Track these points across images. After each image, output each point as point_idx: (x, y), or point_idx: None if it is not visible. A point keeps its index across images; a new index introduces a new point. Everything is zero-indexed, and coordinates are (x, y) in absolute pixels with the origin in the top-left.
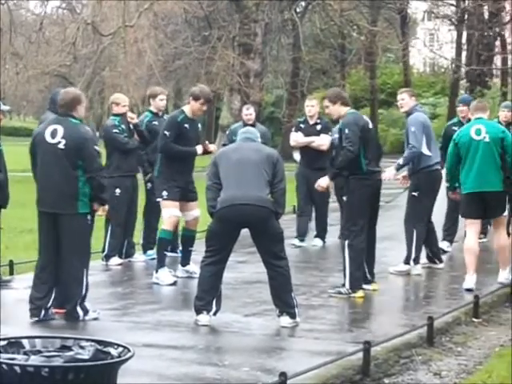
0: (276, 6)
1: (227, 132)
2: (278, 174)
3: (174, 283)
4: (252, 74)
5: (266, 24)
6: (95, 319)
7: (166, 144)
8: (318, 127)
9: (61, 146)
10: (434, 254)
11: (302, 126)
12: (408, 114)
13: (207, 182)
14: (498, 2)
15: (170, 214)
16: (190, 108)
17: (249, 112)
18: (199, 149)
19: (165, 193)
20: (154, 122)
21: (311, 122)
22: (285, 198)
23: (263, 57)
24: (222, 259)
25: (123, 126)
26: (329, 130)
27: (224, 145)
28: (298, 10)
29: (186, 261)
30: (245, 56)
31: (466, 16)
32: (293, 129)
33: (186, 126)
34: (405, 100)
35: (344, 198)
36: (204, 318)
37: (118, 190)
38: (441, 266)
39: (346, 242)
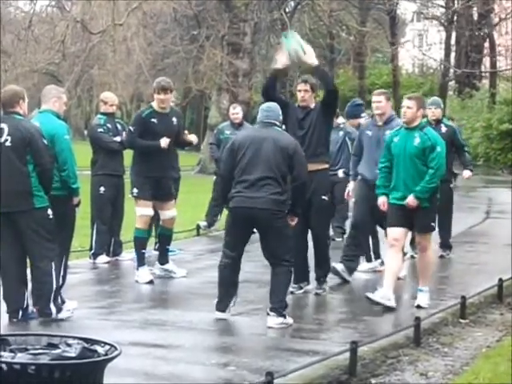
0: (265, 5)
1: (215, 131)
2: (295, 167)
3: (151, 282)
4: (241, 74)
5: (255, 23)
6: (69, 318)
7: (130, 139)
8: None
9: (7, 143)
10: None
11: None
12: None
13: (221, 170)
14: (487, 4)
15: (141, 213)
16: (155, 102)
17: (235, 111)
18: (163, 142)
19: (135, 190)
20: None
21: None
22: (303, 192)
23: (252, 56)
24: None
25: (108, 125)
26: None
27: (211, 143)
28: (287, 9)
29: (163, 259)
30: (234, 55)
31: (455, 17)
32: None
33: (153, 120)
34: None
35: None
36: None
37: (102, 188)
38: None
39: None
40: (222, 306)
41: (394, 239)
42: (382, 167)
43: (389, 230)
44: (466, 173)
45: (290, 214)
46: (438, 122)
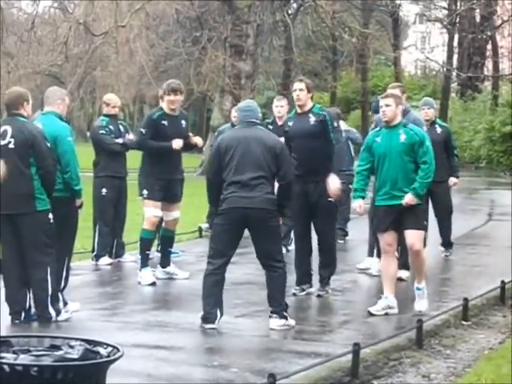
0: (268, 7)
1: (216, 133)
2: (282, 166)
3: (153, 283)
4: (243, 76)
5: (257, 25)
6: (68, 319)
7: (141, 141)
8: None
9: (11, 145)
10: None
11: (270, 127)
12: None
13: (208, 173)
14: (490, 6)
15: (150, 214)
16: (165, 104)
17: (237, 114)
18: (174, 143)
19: (145, 191)
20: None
21: (280, 123)
22: (289, 191)
23: (255, 58)
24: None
25: (111, 127)
26: None
27: (213, 146)
28: (289, 11)
29: (165, 261)
30: (236, 57)
31: (458, 19)
32: None
33: (164, 122)
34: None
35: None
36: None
37: (104, 190)
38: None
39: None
40: (212, 317)
41: (387, 244)
42: (361, 170)
43: (380, 235)
44: (452, 180)
45: (278, 215)
46: (433, 123)
